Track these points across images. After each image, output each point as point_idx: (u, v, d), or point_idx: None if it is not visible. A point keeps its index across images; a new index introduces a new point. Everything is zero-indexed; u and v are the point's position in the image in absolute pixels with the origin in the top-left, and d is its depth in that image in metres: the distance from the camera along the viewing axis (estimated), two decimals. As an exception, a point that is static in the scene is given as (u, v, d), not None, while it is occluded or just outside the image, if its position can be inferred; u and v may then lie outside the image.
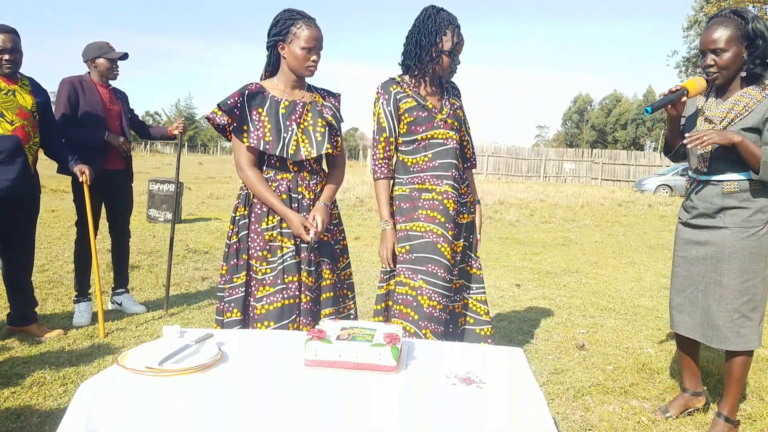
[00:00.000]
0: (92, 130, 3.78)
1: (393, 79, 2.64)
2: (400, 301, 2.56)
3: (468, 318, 2.77)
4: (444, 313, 2.55)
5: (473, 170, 2.90)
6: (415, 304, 2.53)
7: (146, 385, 1.48)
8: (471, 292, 2.77)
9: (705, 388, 2.80)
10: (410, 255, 2.57)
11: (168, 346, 1.66)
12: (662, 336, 3.99)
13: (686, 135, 2.36)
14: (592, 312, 4.61)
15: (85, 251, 3.95)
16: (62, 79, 3.80)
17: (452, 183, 2.59)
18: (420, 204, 2.59)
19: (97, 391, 1.45)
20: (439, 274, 2.54)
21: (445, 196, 2.58)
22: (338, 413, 1.40)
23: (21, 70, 3.35)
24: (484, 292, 2.80)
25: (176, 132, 4.18)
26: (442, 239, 2.56)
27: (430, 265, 2.53)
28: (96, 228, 3.97)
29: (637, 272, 6.38)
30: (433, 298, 2.51)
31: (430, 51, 2.50)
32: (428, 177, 2.59)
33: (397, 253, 2.61)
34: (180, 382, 1.50)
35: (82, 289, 3.96)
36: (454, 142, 2.62)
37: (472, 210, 2.77)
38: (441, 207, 2.58)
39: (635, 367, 3.34)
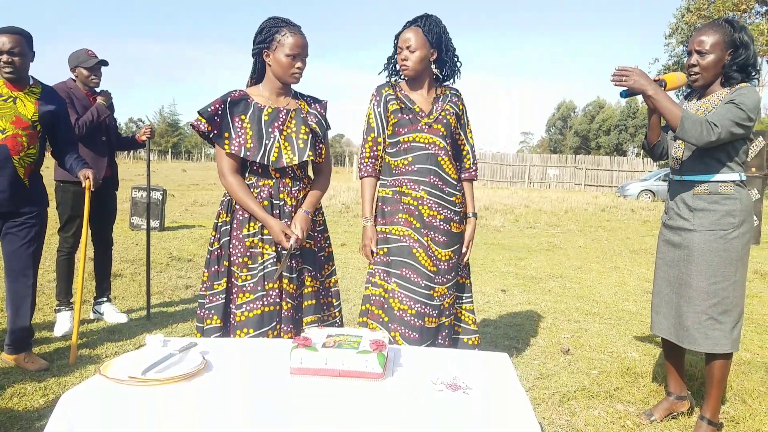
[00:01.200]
0: (91, 112, 3.82)
1: (388, 82, 2.72)
2: (372, 301, 2.63)
3: (457, 328, 2.77)
4: (419, 320, 2.54)
5: (473, 182, 2.82)
6: (386, 306, 2.57)
7: (129, 395, 1.46)
8: (461, 302, 2.76)
9: (689, 392, 2.83)
10: (387, 257, 2.61)
11: (151, 355, 1.64)
12: (646, 340, 4.03)
13: (615, 70, 2.39)
14: (576, 317, 4.64)
15: (69, 259, 3.91)
16: (53, 87, 3.78)
17: (429, 189, 2.60)
18: (400, 207, 2.62)
19: (79, 402, 1.43)
20: (413, 279, 2.56)
21: (420, 201, 2.60)
22: (324, 422, 1.40)
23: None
24: (472, 301, 2.81)
25: (144, 138, 4.17)
26: (417, 245, 2.58)
27: (404, 269, 2.57)
28: (78, 236, 3.92)
29: (621, 277, 6.44)
30: (405, 302, 2.53)
31: (395, 50, 2.64)
32: (406, 180, 2.63)
33: (375, 253, 2.66)
34: (163, 391, 1.48)
35: (65, 298, 3.90)
36: (437, 147, 2.62)
37: (465, 221, 2.75)
38: (416, 213, 2.60)
39: (620, 371, 3.36)
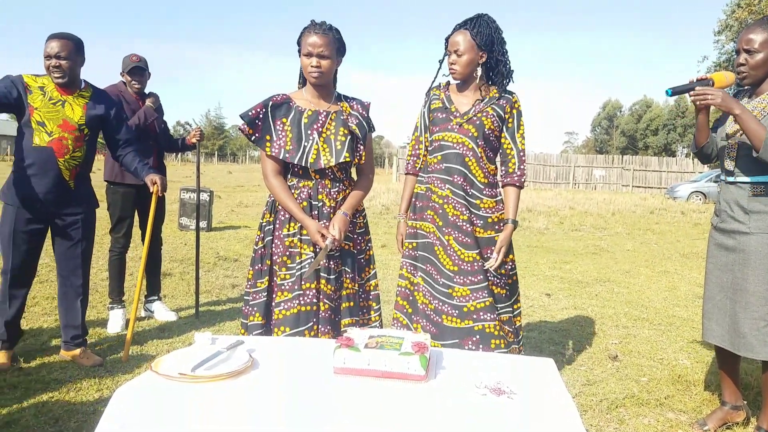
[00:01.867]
0: (138, 115, 3.93)
1: (439, 84, 2.78)
2: (398, 293, 2.73)
3: (493, 339, 2.71)
4: (437, 316, 2.56)
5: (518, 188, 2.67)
6: (411, 298, 2.66)
7: (179, 391, 1.50)
8: (497, 312, 2.62)
9: (745, 402, 2.72)
10: (415, 252, 2.69)
11: (200, 352, 1.68)
12: (698, 347, 3.89)
13: (695, 89, 2.35)
14: (624, 322, 4.52)
15: (121, 259, 4.05)
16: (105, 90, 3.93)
17: (454, 189, 2.60)
18: (429, 204, 2.66)
19: (132, 397, 1.48)
20: (434, 275, 2.60)
21: (446, 200, 2.61)
22: (367, 422, 1.40)
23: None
24: (512, 312, 2.70)
25: (194, 140, 4.28)
26: (438, 242, 2.61)
27: (428, 265, 2.63)
28: (129, 236, 4.07)
29: (671, 281, 6.24)
30: (426, 297, 2.60)
31: (445, 52, 2.66)
32: (434, 179, 2.66)
33: (404, 247, 2.75)
34: (212, 388, 1.52)
35: (117, 297, 4.04)
36: (465, 148, 2.60)
37: (497, 227, 2.64)
38: (441, 211, 2.63)
39: (671, 379, 3.26)
